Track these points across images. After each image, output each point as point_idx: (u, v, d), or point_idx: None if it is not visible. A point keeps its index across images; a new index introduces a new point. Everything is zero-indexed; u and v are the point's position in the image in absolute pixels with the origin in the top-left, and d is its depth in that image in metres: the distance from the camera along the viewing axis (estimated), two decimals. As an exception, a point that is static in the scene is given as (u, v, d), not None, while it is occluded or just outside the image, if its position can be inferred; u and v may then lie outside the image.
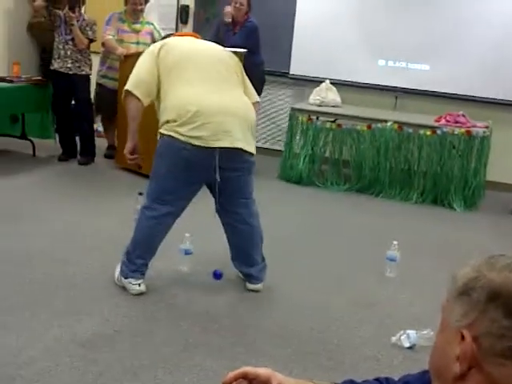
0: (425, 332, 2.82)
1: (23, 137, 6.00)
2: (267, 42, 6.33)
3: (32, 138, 5.99)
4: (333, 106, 5.92)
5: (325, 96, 5.95)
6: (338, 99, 6.01)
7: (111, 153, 6.05)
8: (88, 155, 5.88)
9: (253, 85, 5.58)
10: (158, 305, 3.08)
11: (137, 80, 3.00)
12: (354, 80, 6.45)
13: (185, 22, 7.01)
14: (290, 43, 6.60)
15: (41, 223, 4.11)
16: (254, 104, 3.23)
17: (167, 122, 2.94)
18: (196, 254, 3.55)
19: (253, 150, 3.07)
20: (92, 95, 6.02)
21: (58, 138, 5.99)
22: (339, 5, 6.42)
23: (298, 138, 5.85)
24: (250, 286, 3.34)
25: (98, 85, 6.03)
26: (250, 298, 3.25)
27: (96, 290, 3.18)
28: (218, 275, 3.01)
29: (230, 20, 5.73)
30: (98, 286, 3.23)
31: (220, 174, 2.95)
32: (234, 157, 2.97)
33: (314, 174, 5.84)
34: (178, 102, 2.93)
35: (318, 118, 5.84)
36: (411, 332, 2.86)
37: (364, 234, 4.42)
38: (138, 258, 3.13)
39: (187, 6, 7.00)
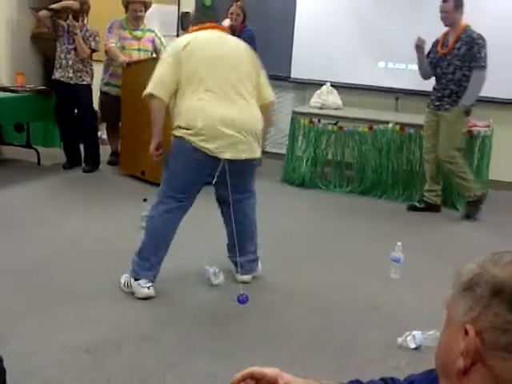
0: (431, 333, 2.82)
1: (28, 145, 6.04)
2: (268, 47, 6.36)
3: (37, 147, 6.03)
4: (334, 109, 5.94)
5: (326, 99, 5.97)
6: (339, 102, 6.02)
7: (115, 159, 6.08)
8: (92, 163, 5.91)
9: None
10: (164, 310, 3.10)
11: (160, 82, 3.08)
12: (355, 82, 6.47)
13: (186, 29, 7.04)
14: (290, 47, 6.63)
15: (47, 231, 4.14)
16: (269, 103, 3.42)
17: (180, 127, 3.11)
18: (199, 258, 3.57)
19: (257, 155, 3.26)
20: (96, 103, 6.05)
21: (62, 147, 6.02)
22: (339, 8, 6.44)
23: (299, 141, 5.88)
24: (241, 278, 3.43)
25: (102, 92, 6.06)
26: (256, 301, 3.26)
27: (102, 296, 3.20)
28: (241, 301, 3.08)
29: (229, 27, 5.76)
30: (104, 292, 3.25)
31: (226, 174, 3.14)
32: (238, 163, 3.17)
33: (317, 176, 5.86)
34: (189, 113, 3.08)
35: (319, 121, 5.86)
36: (417, 333, 2.86)
37: (368, 236, 4.43)
38: (151, 254, 3.21)
39: (187, 13, 7.03)
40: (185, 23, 3.55)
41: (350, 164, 5.79)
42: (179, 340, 2.80)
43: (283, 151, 6.27)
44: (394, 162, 5.55)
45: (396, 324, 3.08)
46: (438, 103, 4.99)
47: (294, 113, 5.94)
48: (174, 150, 3.15)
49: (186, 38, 3.23)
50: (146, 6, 5.88)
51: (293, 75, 6.70)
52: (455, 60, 4.91)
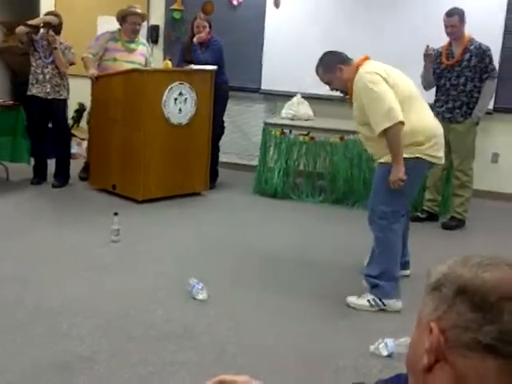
0: (402, 340, 2.85)
1: (-4, 161, 5.95)
2: (238, 59, 6.39)
3: (4, 163, 5.94)
4: (305, 120, 5.98)
5: (297, 110, 6.00)
6: (311, 112, 6.06)
7: (86, 175, 5.98)
8: (62, 178, 5.83)
9: (219, 103, 5.72)
10: (135, 324, 3.07)
11: (397, 108, 3.21)
12: (325, 93, 6.51)
13: (155, 42, 7.05)
14: (260, 59, 6.66)
15: (16, 247, 4.07)
16: None
17: (410, 144, 3.27)
18: (171, 273, 3.55)
19: None
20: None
21: (32, 162, 5.92)
22: (308, 20, 6.50)
23: (271, 152, 5.89)
24: (406, 272, 3.85)
25: None
26: (228, 315, 3.25)
27: (72, 311, 3.16)
28: None
29: (200, 41, 5.75)
30: (74, 307, 3.21)
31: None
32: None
33: (289, 187, 5.87)
34: (420, 128, 3.30)
35: (290, 132, 5.89)
36: (389, 340, 2.89)
37: (341, 245, 4.46)
38: (397, 271, 3.45)
39: (157, 26, 7.03)
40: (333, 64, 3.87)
41: (321, 174, 5.82)
42: (150, 354, 2.77)
43: (254, 163, 6.28)
44: (366, 171, 5.59)
45: (368, 332, 3.09)
46: (449, 115, 4.98)
47: (266, 124, 5.96)
48: (407, 171, 3.24)
49: (376, 68, 3.56)
50: (143, 19, 5.89)
51: (263, 87, 6.73)
52: (466, 71, 4.91)
